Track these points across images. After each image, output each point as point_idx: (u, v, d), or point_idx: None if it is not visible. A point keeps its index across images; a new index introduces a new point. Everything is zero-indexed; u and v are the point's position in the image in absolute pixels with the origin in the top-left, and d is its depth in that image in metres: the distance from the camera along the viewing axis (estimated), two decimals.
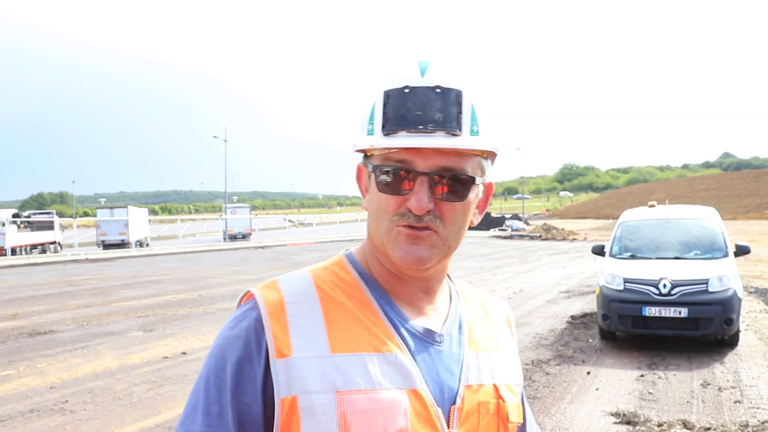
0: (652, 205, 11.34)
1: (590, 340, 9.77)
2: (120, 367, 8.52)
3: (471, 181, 1.09)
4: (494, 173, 1.20)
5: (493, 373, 1.20)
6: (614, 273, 9.50)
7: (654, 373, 7.90)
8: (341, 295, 1.11)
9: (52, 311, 13.55)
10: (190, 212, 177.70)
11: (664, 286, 8.89)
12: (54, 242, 39.77)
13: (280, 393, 1.02)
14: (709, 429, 5.71)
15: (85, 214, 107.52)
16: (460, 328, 1.21)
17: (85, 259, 30.74)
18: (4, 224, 33.30)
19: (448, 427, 1.09)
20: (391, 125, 1.04)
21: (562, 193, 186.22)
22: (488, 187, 1.21)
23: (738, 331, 9.10)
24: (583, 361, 8.52)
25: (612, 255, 10.27)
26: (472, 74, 1.10)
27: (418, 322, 1.14)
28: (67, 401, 7.08)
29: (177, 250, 36.03)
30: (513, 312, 1.40)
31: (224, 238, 46.26)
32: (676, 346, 9.22)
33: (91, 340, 10.34)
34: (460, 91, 1.06)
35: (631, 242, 10.45)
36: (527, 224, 55.73)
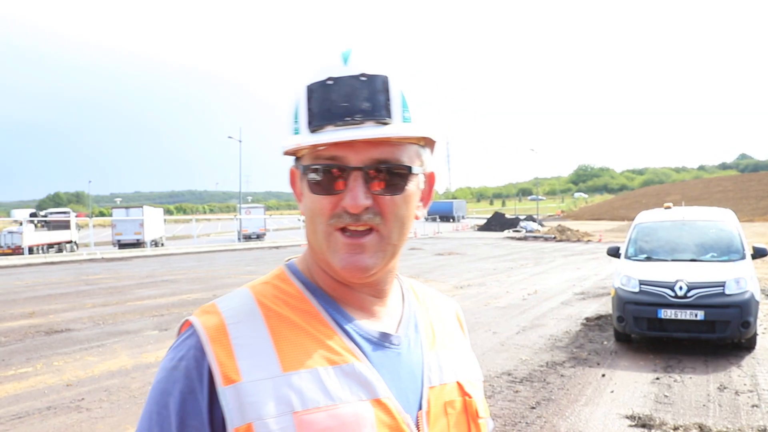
0: (668, 207, 11.27)
1: (605, 343, 9.72)
2: (135, 366, 8.58)
3: (409, 172, 1.03)
4: (434, 162, 1.13)
5: (455, 371, 1.15)
6: (629, 275, 9.45)
7: (670, 376, 7.85)
8: (287, 310, 1.04)
9: (69, 310, 13.67)
10: (205, 212, 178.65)
11: (680, 288, 8.83)
12: (70, 241, 40.13)
13: (233, 422, 0.94)
14: None
15: (101, 214, 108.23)
16: (416, 327, 1.15)
17: (100, 259, 30.94)
18: (21, 223, 33.63)
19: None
20: (316, 121, 0.99)
21: (576, 195, 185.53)
22: (430, 177, 1.14)
23: (755, 335, 9.02)
24: (598, 364, 8.48)
25: (627, 257, 10.21)
26: (398, 59, 1.04)
27: (373, 327, 1.08)
28: (83, 399, 7.14)
29: (192, 250, 36.16)
30: (462, 309, 1.38)
31: (239, 238, 46.40)
32: (692, 349, 9.15)
33: (106, 339, 10.42)
34: (387, 77, 1.00)
35: (646, 244, 10.38)
36: (542, 225, 55.53)
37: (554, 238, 42.19)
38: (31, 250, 34.41)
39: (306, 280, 1.10)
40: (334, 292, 1.09)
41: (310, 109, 1.00)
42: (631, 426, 6.11)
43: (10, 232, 34.66)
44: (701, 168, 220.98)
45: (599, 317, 11.63)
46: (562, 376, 7.90)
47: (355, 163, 0.99)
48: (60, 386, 7.67)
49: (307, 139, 1.00)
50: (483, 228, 57.94)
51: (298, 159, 1.07)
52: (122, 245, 38.83)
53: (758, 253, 9.68)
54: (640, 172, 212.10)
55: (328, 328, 1.04)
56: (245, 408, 0.94)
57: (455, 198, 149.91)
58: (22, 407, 6.90)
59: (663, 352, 9.07)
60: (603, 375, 7.92)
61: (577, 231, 44.28)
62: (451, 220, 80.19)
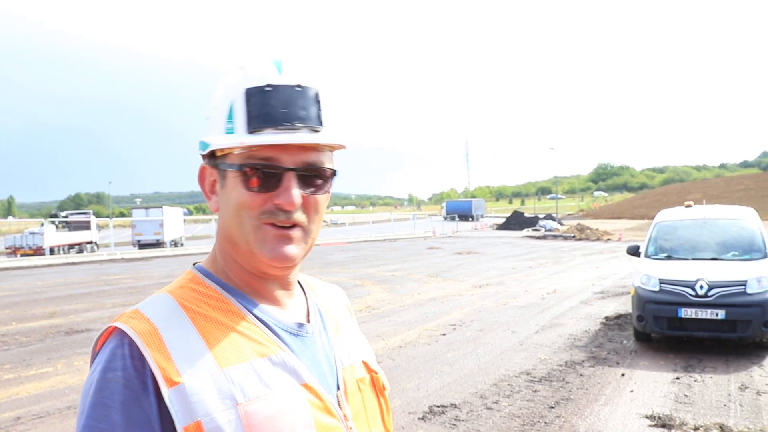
0: (689, 205, 11.16)
1: (625, 342, 9.64)
2: None
3: (333, 174, 1.15)
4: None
5: (358, 351, 1.28)
6: (650, 274, 9.37)
7: (690, 376, 7.77)
8: (210, 310, 1.09)
9: (89, 310, 13.80)
10: None
11: (701, 287, 8.74)
12: (91, 242, 40.52)
13: (181, 422, 0.97)
14: None
15: (121, 214, 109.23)
16: (321, 316, 1.25)
17: (120, 259, 31.24)
18: (42, 224, 33.99)
19: (341, 411, 1.13)
20: (256, 123, 1.06)
21: (596, 193, 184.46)
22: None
23: None
24: (618, 363, 8.41)
25: (647, 255, 10.12)
26: (325, 71, 1.14)
27: (288, 319, 1.16)
28: None
29: (211, 250, 36.33)
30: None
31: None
32: (712, 349, 9.05)
33: None
34: (318, 90, 1.11)
35: (666, 243, 10.29)
36: (561, 224, 55.23)
37: (573, 236, 41.94)
38: (52, 251, 34.82)
39: (220, 281, 1.16)
40: (249, 287, 1.16)
41: (249, 112, 1.07)
42: (651, 426, 6.06)
43: (31, 233, 35.06)
44: (722, 166, 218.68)
45: (619, 316, 11.54)
46: (581, 375, 7.85)
47: (288, 165, 1.08)
48: (80, 386, 7.73)
49: (248, 139, 1.06)
50: (502, 227, 57.74)
51: (215, 158, 1.13)
52: (142, 245, 39.11)
53: None
54: (661, 171, 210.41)
55: (250, 323, 1.10)
56: (192, 407, 0.98)
57: (474, 197, 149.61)
58: (42, 407, 6.98)
59: (683, 351, 8.98)
60: (623, 374, 7.86)
61: (597, 230, 43.99)
62: (470, 219, 79.94)
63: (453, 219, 71.72)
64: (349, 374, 1.20)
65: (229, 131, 1.09)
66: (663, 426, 6.02)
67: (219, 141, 1.09)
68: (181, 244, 42.91)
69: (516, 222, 57.39)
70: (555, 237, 43.12)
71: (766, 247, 9.53)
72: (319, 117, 1.09)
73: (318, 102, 1.10)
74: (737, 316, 8.53)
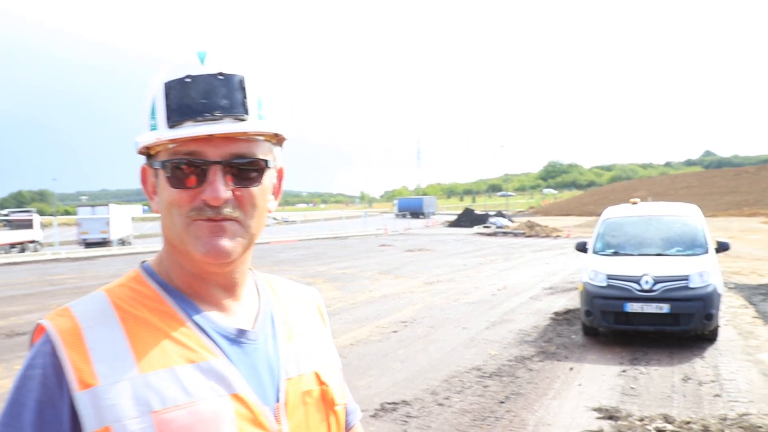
0: (635, 203, 11.42)
1: (573, 336, 9.82)
2: None
3: (265, 165, 1.08)
4: (282, 158, 1.18)
5: (312, 361, 1.19)
6: (597, 269, 9.56)
7: (636, 369, 7.96)
8: (144, 311, 1.05)
9: (32, 311, 13.41)
10: None
11: (646, 282, 8.96)
12: (33, 241, 39.39)
13: (90, 426, 0.93)
14: (689, 423, 5.76)
15: (66, 213, 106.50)
16: (272, 321, 1.18)
17: (65, 258, 30.45)
18: None
19: (277, 424, 1.07)
20: (176, 116, 1.02)
21: (545, 191, 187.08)
22: (280, 173, 1.19)
23: (717, 327, 9.18)
24: (566, 357, 8.57)
25: (595, 252, 10.33)
26: (254, 60, 1.09)
27: (229, 324, 1.10)
28: None
29: (160, 248, 35.73)
30: (323, 299, 1.40)
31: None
32: (657, 342, 9.29)
33: None
34: (243, 77, 1.05)
35: (613, 239, 10.51)
36: (511, 221, 55.91)
37: (523, 233, 42.48)
38: None
39: (162, 281, 1.12)
40: (190, 289, 1.11)
41: (168, 105, 1.03)
42: (598, 418, 6.19)
43: None
44: (667, 164, 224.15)
45: (567, 311, 11.75)
46: (530, 370, 7.97)
47: (214, 158, 1.02)
48: None
49: (167, 133, 1.01)
50: (453, 224, 58.11)
51: (151, 156, 1.09)
52: (88, 244, 38.18)
53: (721, 248, 9.87)
54: (608, 169, 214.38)
55: (185, 327, 1.05)
56: (103, 411, 0.94)
57: (426, 194, 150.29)
58: None
59: (630, 345, 9.20)
60: (571, 368, 8.00)
61: (546, 227, 44.63)
62: (422, 217, 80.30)
63: (405, 216, 71.92)
64: (295, 386, 1.13)
65: (153, 128, 1.05)
66: (610, 418, 6.16)
67: (142, 138, 1.06)
68: (129, 243, 42.06)
69: (467, 219, 57.81)
70: (505, 234, 43.62)
71: (708, 242, 9.82)
72: (244, 105, 1.04)
73: (243, 89, 1.04)
74: (681, 309, 8.77)
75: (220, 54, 1.06)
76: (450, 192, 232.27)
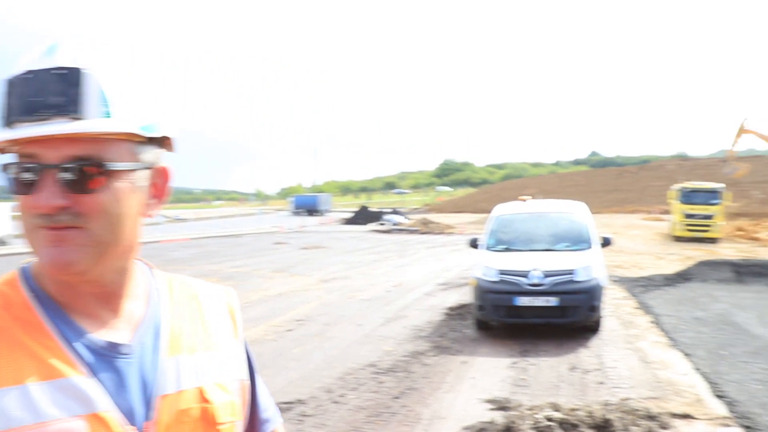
0: (524, 200, 11.78)
1: (466, 331, 10.00)
2: None
3: (113, 168, 0.97)
4: (167, 157, 1.09)
5: (199, 375, 1.10)
6: (489, 265, 9.78)
7: (526, 360, 8.20)
8: (7, 320, 0.96)
9: None
10: None
11: (535, 276, 9.25)
12: None
13: None
14: (575, 409, 5.96)
15: None
16: (156, 333, 1.09)
17: None
18: None
19: None
20: (13, 115, 0.92)
21: (439, 188, 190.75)
22: (162, 172, 1.09)
23: (601, 318, 9.60)
24: (460, 351, 8.71)
25: (487, 248, 10.57)
26: (111, 53, 0.99)
27: (100, 336, 1.01)
28: None
29: None
30: (237, 297, 1.34)
31: None
32: (546, 334, 9.60)
33: None
34: (82, 70, 0.93)
35: (504, 235, 10.79)
36: (407, 218, 56.62)
37: (418, 230, 43.06)
38: None
39: (36, 287, 1.02)
40: (62, 297, 1.01)
41: (9, 104, 0.93)
42: (490, 409, 6.31)
43: None
44: (557, 164, 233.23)
45: (461, 306, 11.95)
46: (425, 365, 8.05)
47: (49, 161, 0.93)
48: None
49: (4, 134, 0.92)
50: (349, 222, 58.22)
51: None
52: None
53: (605, 243, 10.36)
54: (501, 167, 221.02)
55: (50, 339, 0.96)
56: None
57: (322, 192, 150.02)
58: None
59: (520, 337, 9.46)
60: (464, 362, 8.15)
61: (441, 224, 45.47)
62: (317, 214, 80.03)
63: (300, 214, 71.45)
64: (171, 403, 1.03)
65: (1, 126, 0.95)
66: (501, 408, 6.30)
67: None
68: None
69: (362, 216, 58.05)
70: (401, 231, 44.08)
71: (593, 238, 10.26)
72: (79, 102, 0.92)
73: (79, 85, 0.92)
74: (567, 302, 9.11)
75: (71, 46, 0.95)
76: (346, 189, 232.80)
